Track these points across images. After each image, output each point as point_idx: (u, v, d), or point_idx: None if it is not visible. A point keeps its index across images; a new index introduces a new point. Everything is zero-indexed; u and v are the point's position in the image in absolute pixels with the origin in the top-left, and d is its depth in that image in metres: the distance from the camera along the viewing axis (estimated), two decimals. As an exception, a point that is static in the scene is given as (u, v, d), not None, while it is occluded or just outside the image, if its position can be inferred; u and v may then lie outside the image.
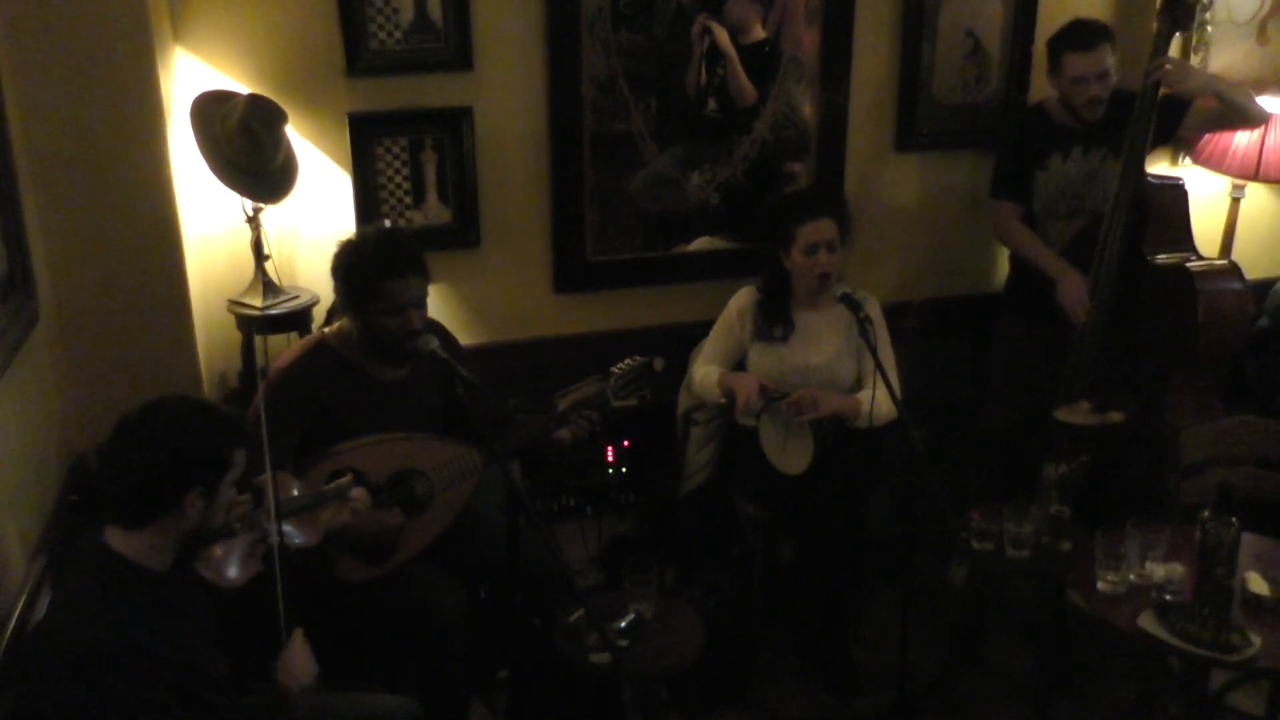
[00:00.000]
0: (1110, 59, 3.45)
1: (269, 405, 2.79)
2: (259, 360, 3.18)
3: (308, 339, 3.00)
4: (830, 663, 3.47)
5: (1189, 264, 3.51)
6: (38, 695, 2.00)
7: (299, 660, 2.25)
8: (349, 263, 2.83)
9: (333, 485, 2.57)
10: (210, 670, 2.14)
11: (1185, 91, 3.46)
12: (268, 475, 2.25)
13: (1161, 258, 3.51)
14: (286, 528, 2.35)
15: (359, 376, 2.89)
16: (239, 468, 2.18)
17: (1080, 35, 3.46)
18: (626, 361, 3.17)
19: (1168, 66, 3.36)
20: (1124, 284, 3.44)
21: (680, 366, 3.60)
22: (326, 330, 2.97)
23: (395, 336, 2.81)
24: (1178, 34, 3.40)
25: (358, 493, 2.60)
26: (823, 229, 3.32)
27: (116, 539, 2.09)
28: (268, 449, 2.25)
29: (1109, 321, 3.44)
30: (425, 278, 2.86)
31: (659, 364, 3.21)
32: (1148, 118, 3.37)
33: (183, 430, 2.09)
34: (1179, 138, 3.82)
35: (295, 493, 2.54)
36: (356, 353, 2.89)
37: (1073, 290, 3.45)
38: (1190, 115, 3.59)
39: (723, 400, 3.42)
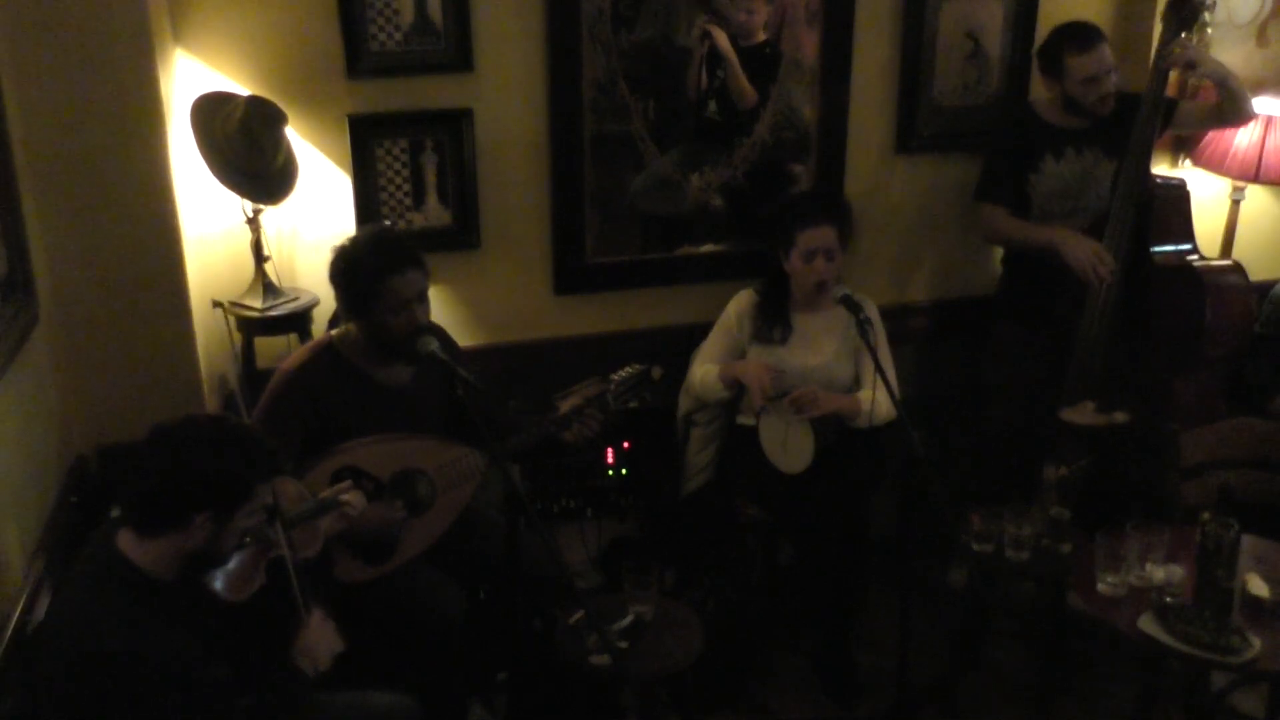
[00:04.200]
0: (1110, 54, 3.46)
1: (273, 406, 2.81)
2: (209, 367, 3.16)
3: (314, 341, 2.99)
4: (830, 664, 3.47)
5: (1195, 264, 3.51)
6: (40, 699, 2.00)
7: (321, 639, 2.24)
8: (346, 267, 2.83)
9: (330, 491, 2.56)
10: (212, 676, 2.13)
11: (1200, 74, 3.48)
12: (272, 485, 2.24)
13: (1166, 258, 3.51)
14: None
15: (363, 381, 2.89)
16: (260, 500, 2.14)
17: (1080, 36, 3.45)
18: (626, 369, 3.17)
19: (1177, 50, 3.36)
20: (1129, 285, 3.44)
21: (681, 368, 3.59)
22: (333, 333, 2.97)
23: (402, 334, 2.80)
24: (1182, 35, 3.39)
25: (352, 495, 2.59)
26: (822, 235, 3.33)
27: (127, 543, 2.09)
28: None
29: (1114, 322, 3.44)
30: (424, 271, 2.86)
31: (658, 372, 3.21)
32: (1155, 112, 3.37)
33: (207, 452, 2.06)
34: (1173, 135, 3.82)
35: (294, 492, 2.53)
36: (362, 357, 2.89)
37: (1079, 248, 3.39)
38: (1181, 112, 3.60)
39: (725, 394, 3.42)
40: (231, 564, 2.20)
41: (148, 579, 2.08)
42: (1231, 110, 3.55)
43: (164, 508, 2.06)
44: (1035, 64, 3.62)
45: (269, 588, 2.27)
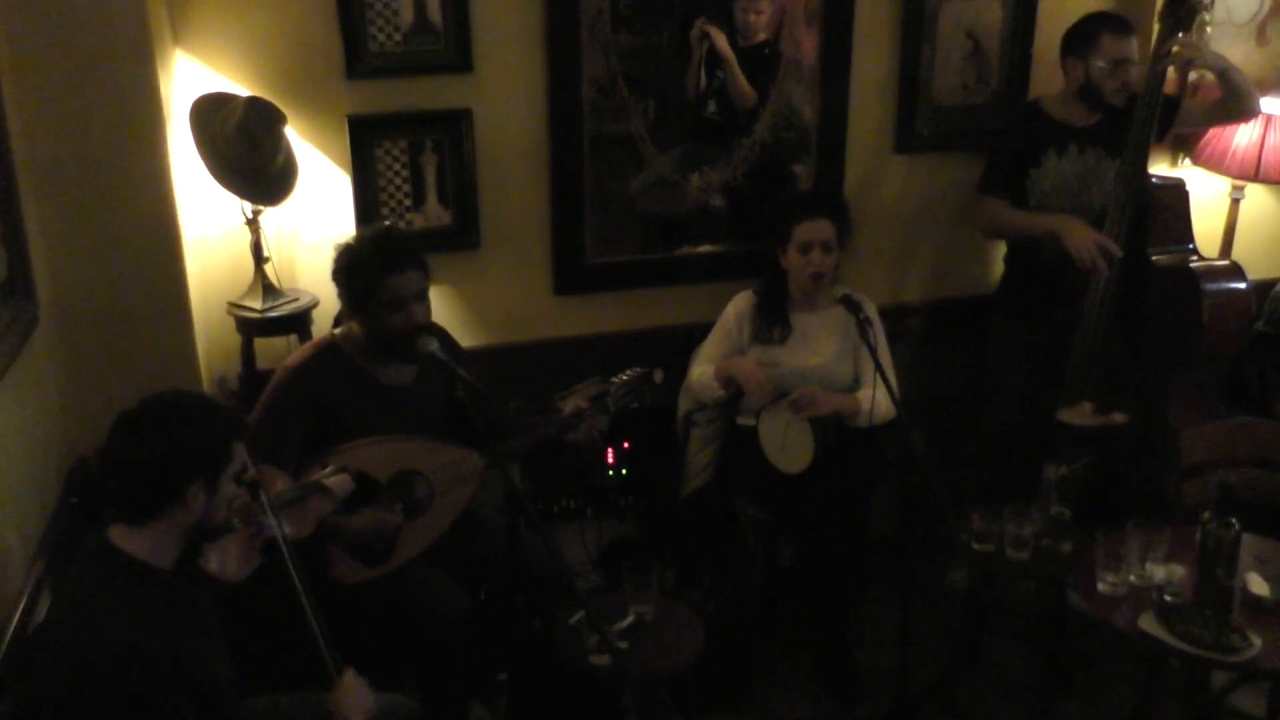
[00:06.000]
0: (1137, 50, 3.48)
1: (276, 403, 2.81)
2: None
3: (318, 340, 3.00)
4: (831, 665, 3.47)
5: (1192, 264, 3.51)
6: (41, 700, 2.00)
7: (350, 698, 2.24)
8: (348, 263, 2.85)
9: (317, 475, 2.57)
10: (215, 672, 2.14)
11: (1200, 66, 3.49)
12: (259, 469, 2.26)
13: (1164, 258, 3.51)
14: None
15: (366, 380, 2.90)
16: (239, 461, 2.18)
17: (1119, 20, 3.49)
18: (627, 372, 3.17)
19: (1175, 48, 3.36)
20: (1127, 284, 3.44)
21: (680, 368, 3.59)
22: (336, 332, 2.98)
23: (399, 333, 2.81)
24: (1179, 35, 3.40)
25: (340, 478, 2.59)
26: (819, 228, 3.33)
27: (121, 537, 2.09)
28: (269, 444, 2.26)
29: (1112, 322, 3.44)
30: (424, 272, 2.87)
31: (659, 375, 3.22)
32: (1153, 111, 3.37)
33: (182, 423, 2.09)
34: (1176, 134, 3.82)
35: (280, 486, 2.54)
36: (364, 356, 2.90)
37: (1079, 235, 3.38)
38: (1184, 110, 3.60)
39: (722, 394, 3.42)
40: (225, 543, 2.22)
41: (147, 569, 2.09)
42: (1234, 104, 3.54)
43: (158, 488, 2.07)
44: (1061, 45, 3.58)
45: (267, 583, 2.27)
